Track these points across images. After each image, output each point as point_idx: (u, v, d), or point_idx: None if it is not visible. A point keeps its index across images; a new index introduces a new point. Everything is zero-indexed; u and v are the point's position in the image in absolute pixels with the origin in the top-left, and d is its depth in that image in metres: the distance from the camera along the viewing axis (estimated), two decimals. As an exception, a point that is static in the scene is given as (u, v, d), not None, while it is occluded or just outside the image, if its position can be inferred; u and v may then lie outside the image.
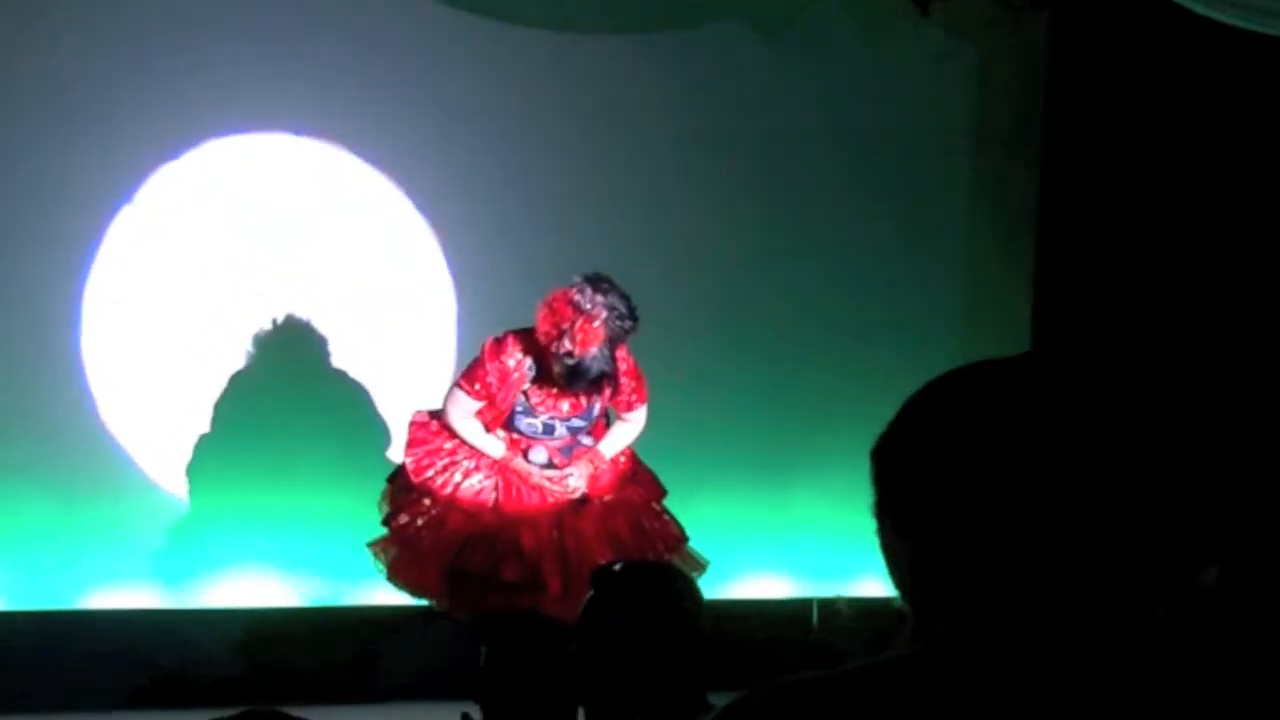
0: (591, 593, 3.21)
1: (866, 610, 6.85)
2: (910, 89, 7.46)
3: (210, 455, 6.83)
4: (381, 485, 5.93)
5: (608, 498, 5.77)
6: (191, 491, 6.86)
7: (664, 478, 5.96)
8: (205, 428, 6.85)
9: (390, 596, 6.14)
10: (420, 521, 5.66)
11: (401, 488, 5.78)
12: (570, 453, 5.78)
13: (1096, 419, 1.52)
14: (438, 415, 5.78)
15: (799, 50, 7.36)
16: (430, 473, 5.69)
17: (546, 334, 5.39)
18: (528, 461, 5.71)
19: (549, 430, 5.73)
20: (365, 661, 6.83)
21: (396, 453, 6.44)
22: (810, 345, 7.41)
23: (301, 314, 6.93)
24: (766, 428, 7.30)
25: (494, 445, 5.71)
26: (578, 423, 5.77)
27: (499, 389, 5.57)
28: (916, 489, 1.53)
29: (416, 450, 5.72)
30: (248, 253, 6.87)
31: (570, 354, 5.37)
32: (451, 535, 5.61)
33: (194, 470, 6.85)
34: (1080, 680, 1.49)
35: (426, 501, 5.67)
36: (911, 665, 1.53)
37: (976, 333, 7.55)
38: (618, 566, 3.35)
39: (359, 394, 6.96)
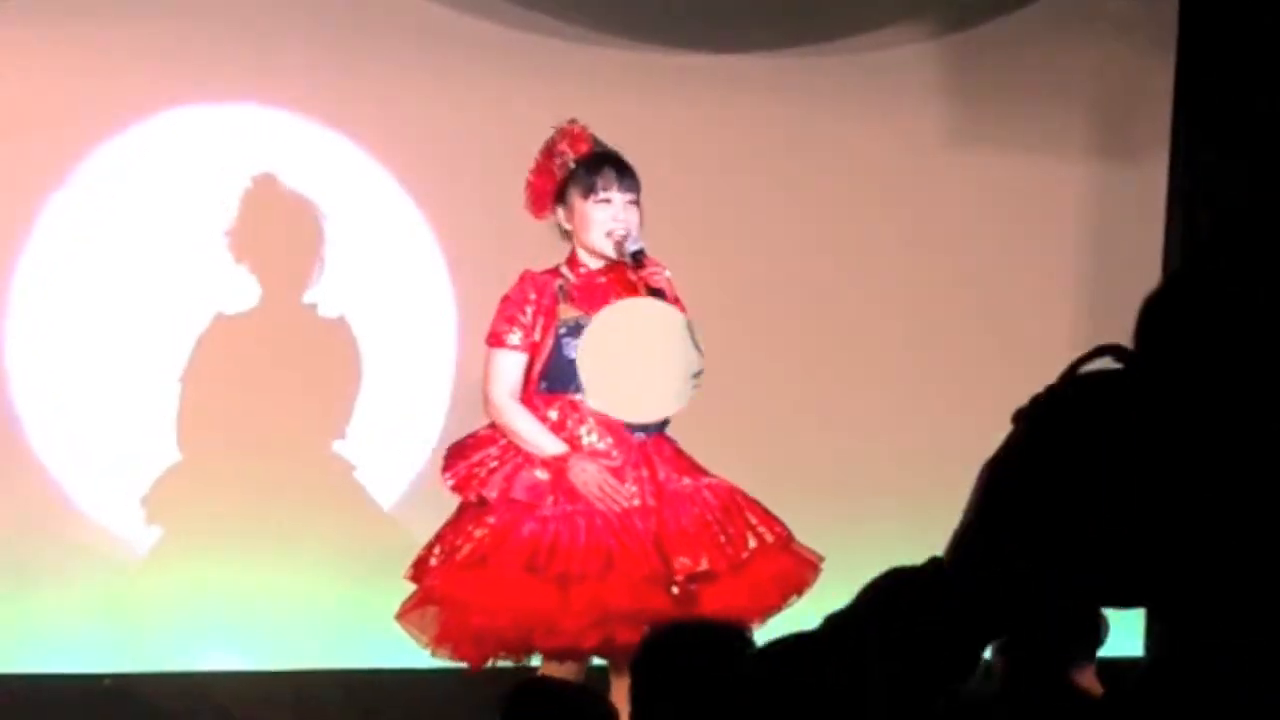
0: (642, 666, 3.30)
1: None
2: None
3: (168, 488, 6.45)
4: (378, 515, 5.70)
5: (688, 481, 5.26)
6: (146, 534, 6.47)
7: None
8: (161, 454, 6.47)
9: (390, 658, 5.84)
10: (488, 539, 5.10)
11: (437, 538, 5.23)
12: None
13: None
14: (474, 433, 5.35)
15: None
16: (476, 482, 5.20)
17: (541, 183, 5.31)
18: (592, 462, 5.19)
19: None
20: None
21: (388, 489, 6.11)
22: (892, 352, 7.10)
23: (278, 316, 6.56)
24: (842, 438, 6.99)
25: (550, 441, 5.22)
26: None
27: (534, 317, 5.25)
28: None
29: (458, 466, 5.23)
30: (211, 245, 6.49)
31: (577, 160, 5.29)
32: (527, 540, 5.08)
33: (149, 507, 6.45)
34: None
35: (490, 521, 5.13)
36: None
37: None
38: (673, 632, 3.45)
39: (349, 406, 6.62)
